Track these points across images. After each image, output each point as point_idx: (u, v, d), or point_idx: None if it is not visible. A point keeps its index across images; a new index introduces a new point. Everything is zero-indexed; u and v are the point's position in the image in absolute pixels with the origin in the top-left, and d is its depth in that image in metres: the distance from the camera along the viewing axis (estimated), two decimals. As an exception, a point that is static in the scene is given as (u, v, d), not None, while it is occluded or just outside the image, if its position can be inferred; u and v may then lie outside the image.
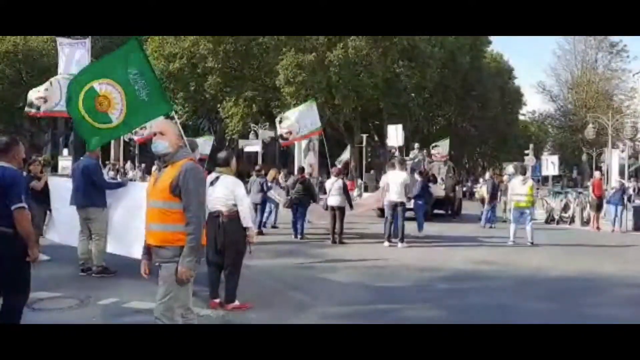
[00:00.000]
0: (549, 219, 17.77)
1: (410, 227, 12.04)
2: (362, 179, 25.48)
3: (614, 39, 51.16)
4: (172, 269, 3.47)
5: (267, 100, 33.21)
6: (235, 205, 5.65)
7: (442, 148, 22.42)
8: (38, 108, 11.38)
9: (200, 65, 31.26)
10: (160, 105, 6.86)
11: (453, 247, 11.35)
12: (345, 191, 11.48)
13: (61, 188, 7.81)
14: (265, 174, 13.39)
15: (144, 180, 15.66)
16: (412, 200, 12.53)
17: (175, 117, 7.33)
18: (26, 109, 12.01)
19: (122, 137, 26.56)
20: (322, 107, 24.76)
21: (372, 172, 26.73)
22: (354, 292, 6.91)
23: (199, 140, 18.25)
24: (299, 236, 11.69)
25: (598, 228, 15.82)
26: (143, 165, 25.09)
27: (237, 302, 5.67)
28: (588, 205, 16.72)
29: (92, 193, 7.13)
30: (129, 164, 26.44)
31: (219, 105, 33.66)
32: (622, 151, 29.01)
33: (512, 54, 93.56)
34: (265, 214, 13.05)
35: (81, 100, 6.48)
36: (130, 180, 14.54)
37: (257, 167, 13.67)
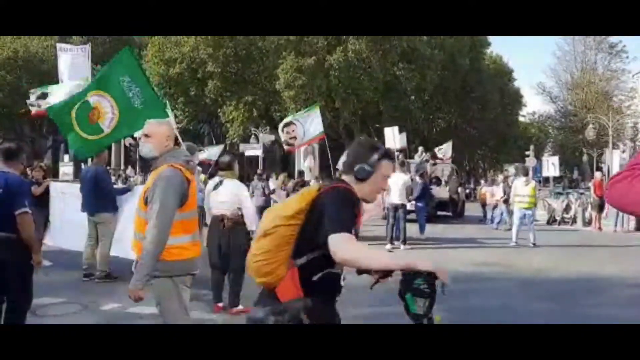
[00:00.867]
0: (551, 220, 17.77)
1: (412, 229, 12.05)
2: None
3: (613, 39, 51.24)
4: (158, 284, 3.22)
5: (268, 104, 33.19)
6: (239, 209, 5.65)
7: (445, 150, 22.45)
8: (39, 105, 11.36)
9: (201, 70, 31.25)
10: (156, 112, 6.84)
11: (455, 249, 11.35)
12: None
13: (63, 193, 7.83)
14: (267, 178, 13.38)
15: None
16: (414, 203, 12.54)
17: (173, 121, 7.31)
18: (28, 102, 11.84)
19: (122, 143, 26.79)
20: (322, 110, 24.71)
21: None
22: (355, 294, 6.88)
23: (213, 150, 18.23)
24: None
25: (600, 228, 15.81)
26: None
27: (241, 306, 5.67)
28: (590, 205, 16.74)
29: (102, 199, 7.19)
30: (129, 170, 26.47)
31: (219, 110, 33.65)
32: (623, 152, 28.98)
33: (511, 55, 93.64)
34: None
35: (74, 112, 6.44)
36: (136, 185, 14.54)
37: (258, 171, 13.69)
